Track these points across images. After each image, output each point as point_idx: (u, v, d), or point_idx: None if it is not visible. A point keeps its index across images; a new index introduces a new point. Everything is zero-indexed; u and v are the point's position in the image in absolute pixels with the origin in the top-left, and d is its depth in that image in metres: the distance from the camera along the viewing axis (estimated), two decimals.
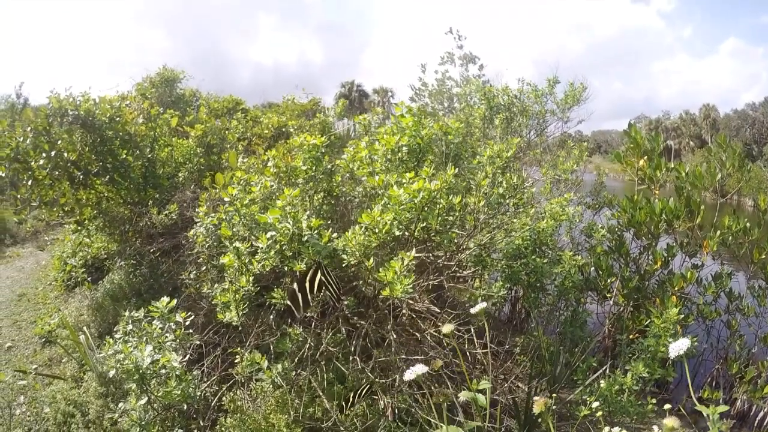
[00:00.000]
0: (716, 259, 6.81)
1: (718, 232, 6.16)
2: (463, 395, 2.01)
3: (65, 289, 7.93)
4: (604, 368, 4.77)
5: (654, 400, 4.50)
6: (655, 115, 74.41)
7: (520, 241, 4.54)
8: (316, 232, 3.42)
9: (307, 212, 3.69)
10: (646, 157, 6.49)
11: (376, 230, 3.35)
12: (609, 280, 6.34)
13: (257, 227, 3.68)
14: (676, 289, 5.98)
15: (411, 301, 4.17)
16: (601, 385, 4.26)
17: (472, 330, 4.17)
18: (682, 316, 5.14)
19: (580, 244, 6.82)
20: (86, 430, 4.71)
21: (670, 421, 1.52)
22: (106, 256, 7.53)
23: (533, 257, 4.58)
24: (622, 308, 6.43)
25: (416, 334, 4.27)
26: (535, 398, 1.81)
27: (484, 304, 2.22)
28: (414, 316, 4.40)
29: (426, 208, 3.44)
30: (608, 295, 6.45)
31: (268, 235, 3.45)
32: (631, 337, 5.78)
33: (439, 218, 3.66)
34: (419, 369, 1.81)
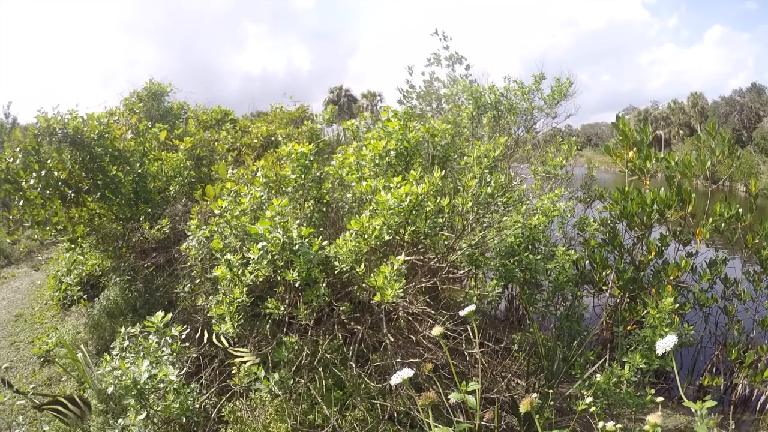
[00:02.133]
0: (710, 246, 6.82)
1: (711, 219, 6.18)
2: (453, 396, 2.02)
3: (61, 307, 7.90)
4: (602, 361, 4.78)
5: (653, 391, 4.52)
6: (643, 105, 74.66)
7: (513, 238, 4.54)
8: (306, 240, 3.42)
9: (298, 221, 3.69)
10: (635, 149, 6.50)
11: (366, 236, 3.36)
12: (604, 273, 6.35)
13: (248, 238, 3.68)
14: (671, 278, 6.00)
15: (406, 304, 4.18)
16: (598, 379, 4.27)
17: (469, 329, 4.18)
18: (677, 305, 5.15)
19: (573, 238, 6.83)
20: None
21: (653, 418, 1.53)
22: (100, 273, 7.50)
23: (526, 254, 4.58)
24: (618, 300, 6.44)
25: (412, 336, 4.27)
26: (529, 396, 1.82)
27: (473, 307, 2.23)
28: (410, 318, 4.40)
29: (414, 212, 3.45)
30: (604, 288, 6.46)
31: (260, 245, 3.45)
32: (628, 328, 5.79)
33: (428, 221, 3.66)
34: (405, 373, 1.82)
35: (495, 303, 5.67)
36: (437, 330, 2.17)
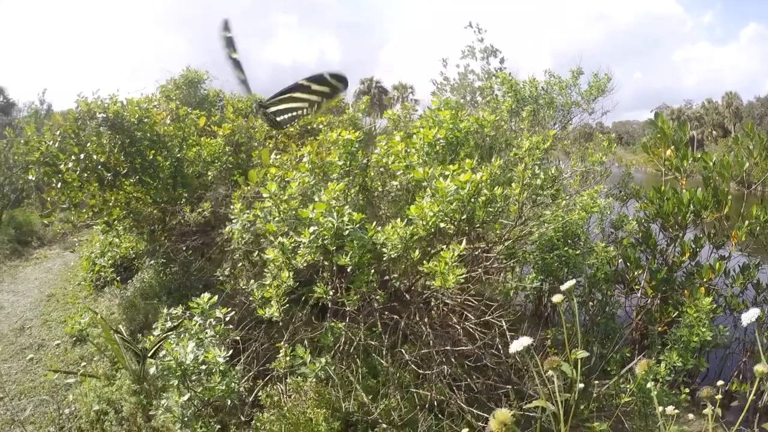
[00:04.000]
0: (743, 249, 6.74)
1: (747, 222, 6.11)
2: (564, 368, 2.05)
3: (94, 288, 7.99)
4: (635, 360, 4.77)
5: (687, 390, 4.53)
6: (677, 104, 73.24)
7: (553, 233, 4.55)
8: (358, 225, 3.45)
9: (347, 206, 3.72)
10: (672, 147, 6.45)
11: (423, 222, 3.38)
12: (637, 272, 6.31)
13: (298, 222, 3.70)
14: (704, 280, 5.94)
15: (447, 294, 4.18)
16: (638, 374, 4.27)
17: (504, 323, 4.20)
18: (714, 305, 5.12)
19: (608, 236, 6.80)
20: (120, 427, 4.75)
21: (761, 366, 1.57)
22: (134, 255, 7.58)
23: (566, 249, 4.58)
24: (649, 300, 6.40)
25: (455, 325, 4.29)
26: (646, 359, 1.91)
27: (572, 282, 2.26)
28: (446, 309, 4.42)
29: (473, 200, 3.47)
30: (636, 287, 6.42)
31: (311, 229, 3.48)
32: (660, 329, 5.76)
33: (485, 209, 3.68)
34: (525, 341, 1.86)
35: (532, 296, 5.66)
36: (557, 298, 2.19)
